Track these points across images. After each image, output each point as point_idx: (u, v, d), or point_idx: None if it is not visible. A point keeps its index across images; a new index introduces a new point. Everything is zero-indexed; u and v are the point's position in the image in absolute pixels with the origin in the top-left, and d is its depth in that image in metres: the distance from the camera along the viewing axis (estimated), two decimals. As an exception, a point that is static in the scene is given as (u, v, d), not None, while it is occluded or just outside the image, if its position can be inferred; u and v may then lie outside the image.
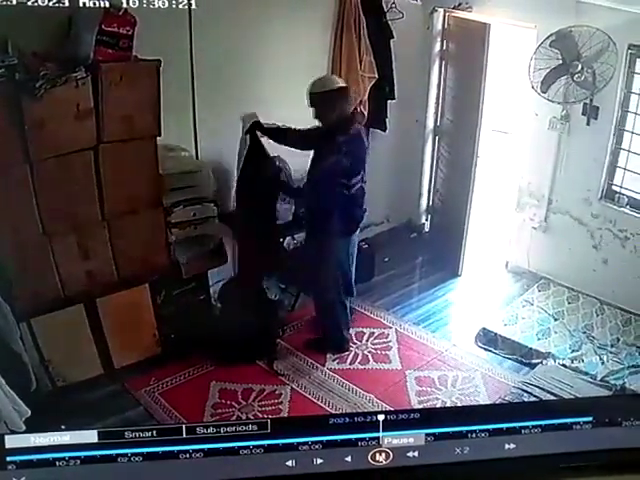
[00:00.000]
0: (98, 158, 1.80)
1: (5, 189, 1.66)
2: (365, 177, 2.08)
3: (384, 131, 2.32)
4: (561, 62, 2.09)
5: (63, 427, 1.52)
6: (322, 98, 1.97)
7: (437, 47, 2.40)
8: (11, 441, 1.51)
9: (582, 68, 2.08)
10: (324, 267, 2.12)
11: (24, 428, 1.54)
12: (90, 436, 1.53)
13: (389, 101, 2.29)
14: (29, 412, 1.56)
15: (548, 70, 2.11)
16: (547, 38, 2.06)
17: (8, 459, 1.50)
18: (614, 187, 2.28)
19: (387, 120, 2.31)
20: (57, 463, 1.52)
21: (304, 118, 1.99)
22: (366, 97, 2.21)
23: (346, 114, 2.02)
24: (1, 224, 1.63)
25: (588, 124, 2.21)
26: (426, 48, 2.38)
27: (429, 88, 2.43)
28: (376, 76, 2.20)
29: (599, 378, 2.05)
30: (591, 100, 2.16)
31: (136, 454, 1.54)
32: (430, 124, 2.49)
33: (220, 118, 2.01)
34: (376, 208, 2.39)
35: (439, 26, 2.37)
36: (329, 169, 2.02)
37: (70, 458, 1.52)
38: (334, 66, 2.18)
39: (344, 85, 2.04)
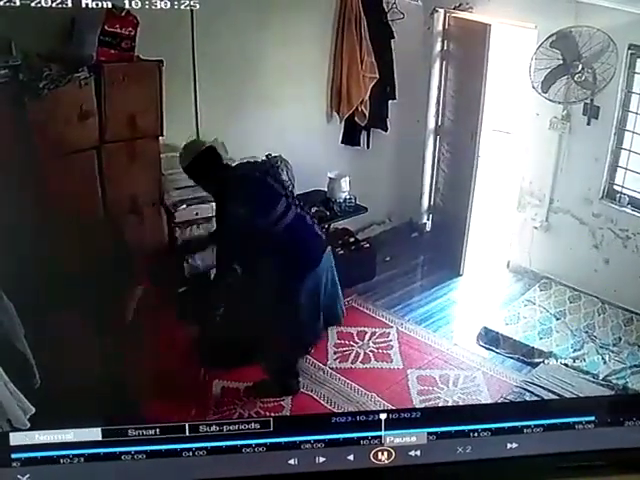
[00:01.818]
0: (101, 158, 1.81)
1: (9, 189, 1.66)
2: (294, 203, 1.88)
3: (385, 131, 2.33)
4: (561, 62, 2.10)
5: (66, 425, 1.53)
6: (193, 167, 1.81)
7: (438, 47, 2.41)
8: (16, 438, 1.52)
9: (582, 68, 2.09)
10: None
11: (28, 425, 1.55)
12: (94, 434, 1.54)
13: (390, 101, 2.29)
14: (33, 410, 1.56)
15: (549, 70, 2.11)
16: (547, 38, 2.06)
17: (13, 456, 1.51)
18: (615, 187, 2.28)
19: (388, 120, 2.32)
20: (61, 461, 1.52)
21: (306, 117, 1.99)
22: (367, 97, 2.22)
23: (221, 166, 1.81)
24: (4, 222, 1.63)
25: (589, 124, 2.22)
26: (427, 48, 2.38)
27: (430, 88, 2.43)
28: (377, 76, 2.20)
29: (601, 377, 2.05)
30: (592, 100, 2.17)
31: (139, 452, 1.55)
32: (431, 124, 2.49)
33: (223, 118, 2.02)
34: (377, 207, 2.41)
35: (440, 26, 2.37)
36: (230, 216, 1.82)
37: (74, 456, 1.53)
38: (335, 66, 2.19)
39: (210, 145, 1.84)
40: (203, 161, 1.86)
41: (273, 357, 1.97)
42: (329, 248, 1.99)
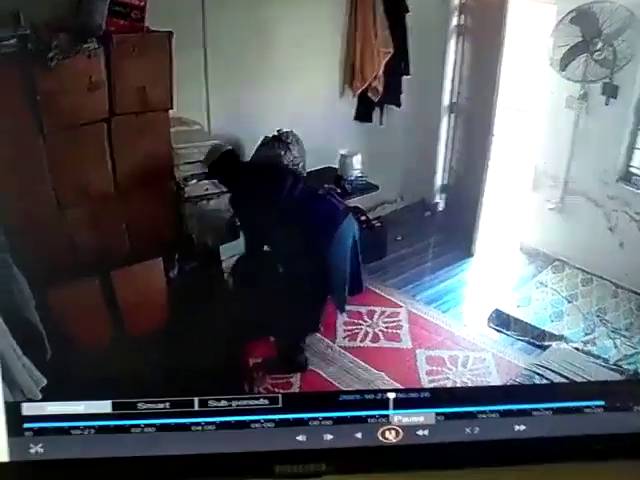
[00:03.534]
0: (110, 130, 1.79)
1: (18, 160, 1.66)
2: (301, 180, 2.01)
3: (399, 107, 2.29)
4: (581, 39, 2.05)
5: (77, 396, 1.55)
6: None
7: (454, 22, 2.35)
8: (28, 409, 1.54)
9: (602, 46, 2.04)
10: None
11: (40, 396, 1.57)
12: (104, 406, 1.55)
13: (404, 77, 2.26)
14: (45, 381, 1.58)
15: (567, 47, 2.07)
16: (567, 14, 2.01)
17: (25, 426, 1.53)
18: (632, 169, 2.24)
19: (402, 96, 2.28)
20: (72, 432, 1.54)
21: (318, 92, 1.97)
22: (381, 72, 2.19)
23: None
24: (14, 195, 1.63)
25: (607, 104, 2.16)
26: (442, 23, 2.33)
27: (445, 64, 2.38)
28: (391, 51, 2.17)
29: (612, 362, 2.03)
30: (611, 79, 2.11)
31: (149, 425, 1.56)
32: (445, 101, 2.44)
33: (233, 91, 2.00)
34: (389, 186, 2.38)
35: (456, 0, 2.31)
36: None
37: (85, 427, 1.54)
38: (349, 40, 2.15)
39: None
40: (223, 162, 1.99)
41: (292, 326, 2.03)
42: (349, 215, 2.07)
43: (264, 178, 2.01)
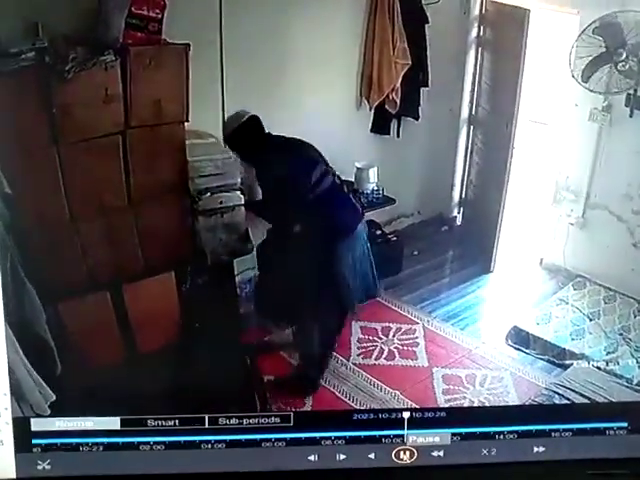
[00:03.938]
0: (126, 143, 1.79)
1: (33, 172, 1.66)
2: (331, 170, 1.94)
3: (417, 119, 2.27)
4: (604, 50, 2.00)
5: (86, 413, 1.54)
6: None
7: (474, 33, 2.33)
8: (36, 424, 1.54)
9: (627, 56, 1.99)
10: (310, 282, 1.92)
11: (49, 412, 1.56)
12: (113, 423, 1.55)
13: (422, 88, 2.23)
14: (54, 396, 1.58)
15: (590, 58, 2.02)
16: (590, 25, 1.97)
17: (34, 442, 1.53)
18: (657, 183, 2.20)
19: (420, 108, 2.26)
20: (80, 448, 1.54)
21: (334, 104, 1.96)
22: (399, 84, 2.16)
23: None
24: (28, 207, 1.64)
25: (631, 116, 2.11)
26: (462, 34, 2.31)
27: (464, 76, 2.36)
28: (409, 63, 2.14)
29: (635, 382, 1.97)
30: (635, 90, 2.07)
31: (158, 442, 1.55)
32: (465, 113, 2.42)
33: (249, 104, 1.98)
34: (406, 199, 2.35)
35: (476, 11, 2.29)
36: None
37: (93, 444, 1.54)
38: (366, 51, 2.13)
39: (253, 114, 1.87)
40: (245, 131, 1.89)
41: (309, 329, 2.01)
42: (364, 220, 2.05)
43: (295, 156, 1.93)
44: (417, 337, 2.19)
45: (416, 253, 2.37)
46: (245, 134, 1.89)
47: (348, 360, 2.08)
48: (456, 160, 2.47)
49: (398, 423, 1.62)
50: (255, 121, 1.88)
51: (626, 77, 2.03)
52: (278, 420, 1.60)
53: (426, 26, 2.13)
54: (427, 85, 2.22)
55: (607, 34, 1.98)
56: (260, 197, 1.97)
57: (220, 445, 1.57)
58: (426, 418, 1.63)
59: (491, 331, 2.25)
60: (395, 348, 2.14)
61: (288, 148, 1.92)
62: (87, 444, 1.54)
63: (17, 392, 1.52)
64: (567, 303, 2.32)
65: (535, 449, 1.62)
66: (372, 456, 1.60)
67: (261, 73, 2.01)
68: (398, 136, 2.30)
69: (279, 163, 1.90)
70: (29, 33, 1.62)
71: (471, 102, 2.41)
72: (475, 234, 2.50)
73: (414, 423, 1.62)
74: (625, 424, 1.64)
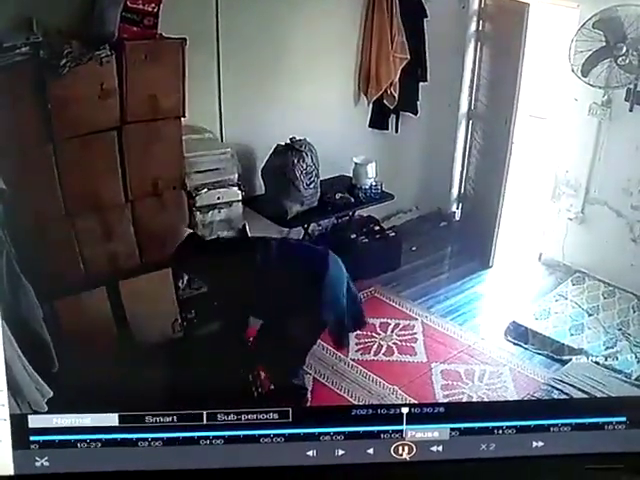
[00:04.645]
0: (122, 138, 1.78)
1: (28, 168, 1.65)
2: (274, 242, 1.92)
3: (415, 114, 2.26)
4: (604, 44, 1.99)
5: (84, 410, 1.54)
6: None
7: (472, 27, 2.32)
8: (34, 421, 1.53)
9: (627, 51, 1.98)
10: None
11: (46, 409, 1.56)
12: (111, 419, 1.54)
13: (421, 83, 2.22)
14: (51, 393, 1.57)
15: (590, 53, 2.01)
16: (590, 18, 1.96)
17: (31, 439, 1.53)
18: (657, 178, 2.19)
19: (418, 103, 2.25)
20: (78, 445, 1.53)
21: (332, 99, 1.95)
22: (397, 79, 2.16)
23: None
24: (23, 203, 1.63)
25: (631, 110, 2.11)
26: (461, 28, 2.30)
27: (463, 70, 2.35)
28: (408, 57, 2.14)
29: (634, 377, 1.98)
30: (635, 85, 2.06)
31: (156, 439, 1.55)
32: (463, 108, 2.41)
33: (246, 99, 1.98)
34: (405, 195, 2.35)
35: (475, 5, 2.28)
36: None
37: (91, 440, 1.53)
38: (364, 45, 2.13)
39: None
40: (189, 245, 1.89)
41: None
42: (330, 254, 1.92)
43: (234, 252, 1.93)
44: (416, 333, 2.19)
45: (414, 249, 2.37)
46: (189, 248, 1.88)
47: (347, 356, 2.07)
48: (455, 155, 2.46)
49: (397, 418, 1.62)
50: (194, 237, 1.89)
51: (626, 71, 2.02)
52: (277, 416, 1.59)
53: (425, 20, 2.12)
54: (426, 80, 2.22)
55: (607, 28, 1.97)
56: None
57: (218, 441, 1.56)
58: (425, 413, 1.63)
59: (490, 326, 2.25)
60: (394, 344, 2.14)
61: (226, 249, 1.94)
62: (85, 441, 1.53)
63: (14, 389, 1.51)
64: (566, 298, 2.31)
65: (534, 444, 1.62)
66: (371, 451, 1.60)
67: (258, 68, 2.01)
68: (396, 131, 2.29)
69: (227, 269, 1.86)
70: (23, 27, 1.60)
71: (470, 97, 2.40)
72: (474, 230, 2.49)
73: (413, 418, 1.62)
74: (624, 419, 1.64)
